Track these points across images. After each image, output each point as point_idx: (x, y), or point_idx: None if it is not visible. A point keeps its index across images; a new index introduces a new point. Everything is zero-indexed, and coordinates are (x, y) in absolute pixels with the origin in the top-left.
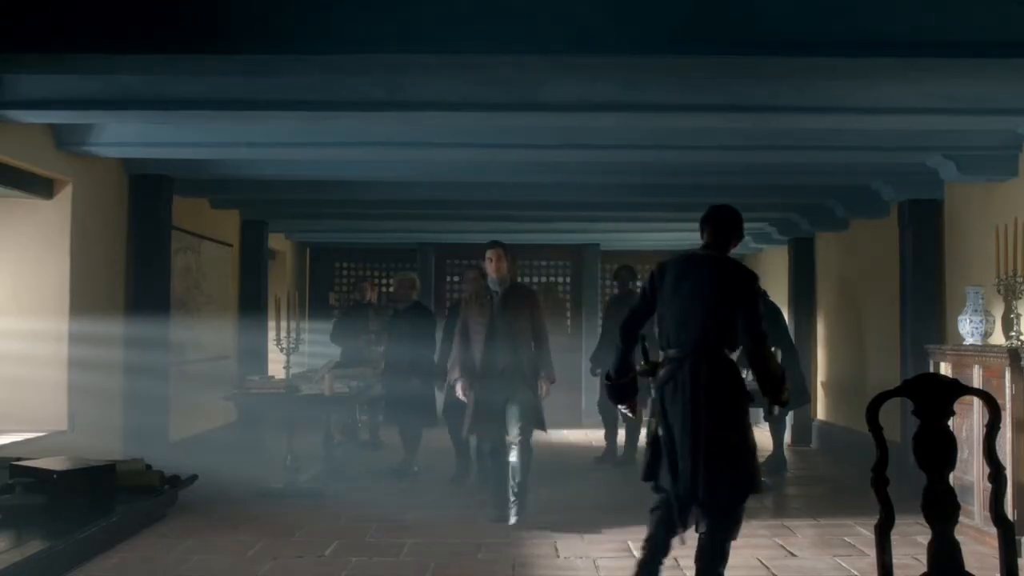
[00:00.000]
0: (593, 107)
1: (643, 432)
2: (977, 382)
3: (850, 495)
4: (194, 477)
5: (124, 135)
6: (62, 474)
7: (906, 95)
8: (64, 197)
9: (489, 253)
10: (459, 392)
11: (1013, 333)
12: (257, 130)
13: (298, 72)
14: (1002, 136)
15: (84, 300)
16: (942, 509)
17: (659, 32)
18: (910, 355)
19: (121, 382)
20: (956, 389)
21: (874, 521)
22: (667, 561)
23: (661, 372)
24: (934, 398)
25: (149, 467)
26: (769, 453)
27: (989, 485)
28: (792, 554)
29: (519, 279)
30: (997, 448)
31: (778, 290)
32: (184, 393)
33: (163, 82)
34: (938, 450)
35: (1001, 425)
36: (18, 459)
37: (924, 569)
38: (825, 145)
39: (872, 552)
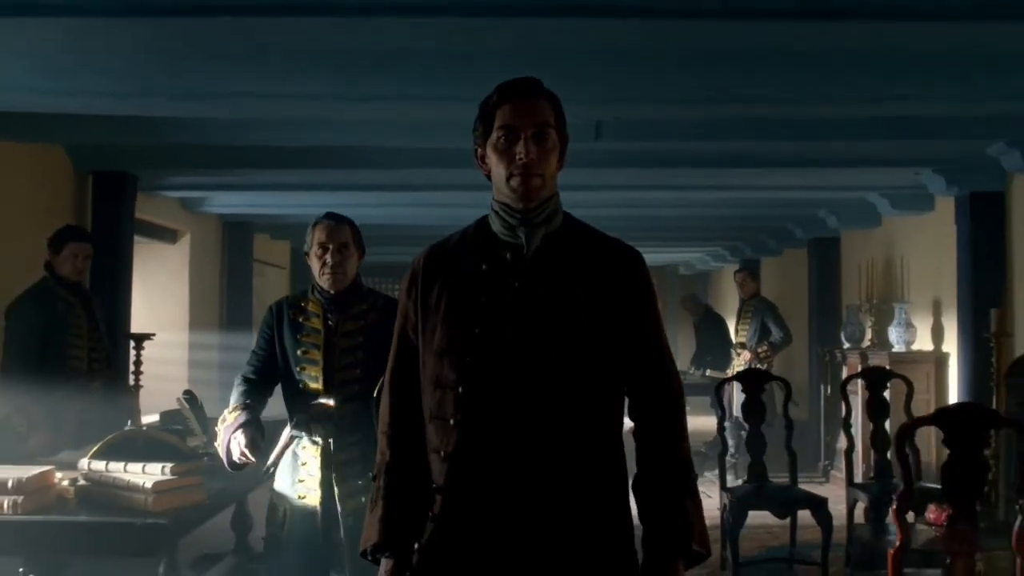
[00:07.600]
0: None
1: None
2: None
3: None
4: None
5: (228, 200)
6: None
7: (798, 180)
8: (184, 243)
9: (324, 228)
10: (236, 453)
11: (867, 339)
12: (317, 196)
13: (351, 181)
14: (862, 202)
15: (198, 317)
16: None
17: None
18: (815, 356)
19: (218, 376)
20: (764, 377)
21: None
22: None
23: None
24: (750, 382)
25: None
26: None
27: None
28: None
29: None
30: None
31: (732, 303)
32: None
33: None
34: (755, 413)
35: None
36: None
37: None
38: (752, 203)
39: None
